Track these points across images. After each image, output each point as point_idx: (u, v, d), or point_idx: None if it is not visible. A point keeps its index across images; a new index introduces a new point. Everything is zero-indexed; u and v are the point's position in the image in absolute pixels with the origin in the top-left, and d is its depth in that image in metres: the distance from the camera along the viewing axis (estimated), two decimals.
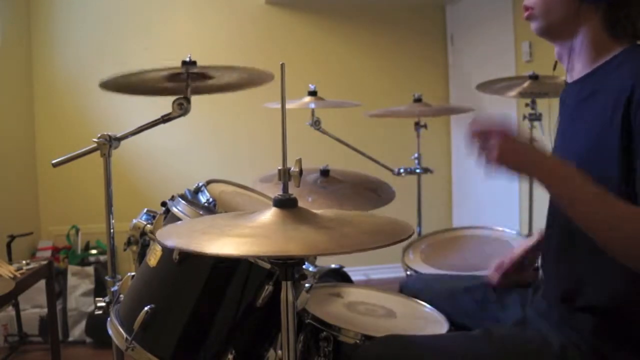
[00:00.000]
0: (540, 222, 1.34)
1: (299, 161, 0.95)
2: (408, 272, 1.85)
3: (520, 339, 1.07)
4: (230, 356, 1.14)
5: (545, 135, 1.37)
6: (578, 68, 1.18)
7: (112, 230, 1.54)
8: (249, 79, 1.65)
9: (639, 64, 1.03)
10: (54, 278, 2.28)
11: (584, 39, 1.14)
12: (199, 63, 1.43)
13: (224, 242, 0.88)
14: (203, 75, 1.51)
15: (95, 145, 1.46)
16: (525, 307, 1.31)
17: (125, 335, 1.17)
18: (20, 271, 1.95)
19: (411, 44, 3.97)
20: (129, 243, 1.35)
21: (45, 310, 2.41)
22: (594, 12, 1.11)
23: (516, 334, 1.15)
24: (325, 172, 2.04)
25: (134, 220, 1.35)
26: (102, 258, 3.09)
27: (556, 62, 1.27)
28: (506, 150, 1.01)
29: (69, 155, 1.47)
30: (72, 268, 2.98)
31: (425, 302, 1.49)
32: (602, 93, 1.08)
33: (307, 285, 1.35)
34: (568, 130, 1.18)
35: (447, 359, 1.11)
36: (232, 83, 1.64)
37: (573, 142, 1.14)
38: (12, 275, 1.84)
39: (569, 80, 1.22)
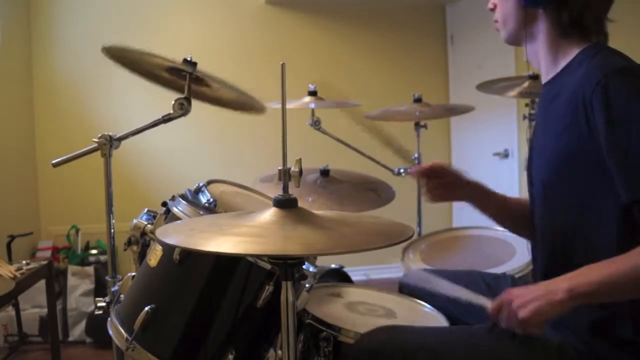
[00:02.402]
0: None
1: (299, 161, 0.95)
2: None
3: (519, 337, 1.07)
4: (230, 356, 1.14)
5: None
6: (545, 70, 1.22)
7: (112, 230, 1.54)
8: (245, 103, 1.65)
9: (589, 65, 1.06)
10: (54, 278, 2.28)
11: (542, 42, 1.18)
12: (199, 62, 1.43)
13: (223, 240, 0.87)
14: (201, 81, 1.51)
15: (95, 145, 1.45)
16: None
17: (125, 335, 1.17)
18: (20, 271, 1.95)
19: (411, 44, 3.97)
20: (129, 243, 1.35)
21: (45, 310, 2.42)
22: (542, 15, 1.15)
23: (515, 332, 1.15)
24: (325, 172, 2.04)
25: (135, 220, 1.35)
26: (102, 258, 3.10)
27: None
28: (524, 306, 0.99)
29: (69, 155, 1.47)
30: (72, 268, 2.98)
31: (426, 300, 1.49)
32: (563, 95, 1.11)
33: (307, 285, 1.35)
34: (541, 132, 1.22)
35: (447, 347, 1.12)
36: (226, 99, 1.65)
37: (545, 143, 1.17)
38: (12, 275, 1.83)
39: (543, 83, 1.26)
